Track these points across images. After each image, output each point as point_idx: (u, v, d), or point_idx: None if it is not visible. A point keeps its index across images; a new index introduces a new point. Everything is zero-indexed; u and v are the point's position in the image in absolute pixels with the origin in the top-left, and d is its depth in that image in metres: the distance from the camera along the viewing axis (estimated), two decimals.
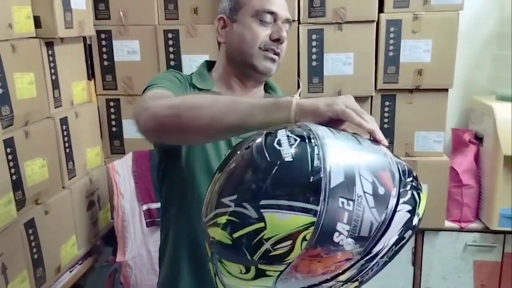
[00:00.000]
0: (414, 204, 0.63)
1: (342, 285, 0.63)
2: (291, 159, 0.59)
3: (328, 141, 0.61)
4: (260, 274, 0.60)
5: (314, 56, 1.76)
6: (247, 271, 0.60)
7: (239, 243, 0.59)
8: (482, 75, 2.03)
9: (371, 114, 1.81)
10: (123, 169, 1.77)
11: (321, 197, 0.57)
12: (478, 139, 1.90)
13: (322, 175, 0.57)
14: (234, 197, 0.60)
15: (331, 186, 0.57)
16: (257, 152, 0.61)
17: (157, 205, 1.71)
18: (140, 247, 1.75)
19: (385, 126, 1.82)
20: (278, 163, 0.59)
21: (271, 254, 0.58)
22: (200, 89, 1.02)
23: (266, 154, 0.60)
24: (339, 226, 0.57)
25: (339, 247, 0.58)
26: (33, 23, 1.43)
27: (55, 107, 1.56)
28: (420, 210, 0.64)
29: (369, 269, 0.62)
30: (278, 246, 0.57)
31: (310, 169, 0.58)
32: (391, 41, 1.74)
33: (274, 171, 0.58)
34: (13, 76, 1.32)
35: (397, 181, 0.62)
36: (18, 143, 1.33)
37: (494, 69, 1.98)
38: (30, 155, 1.38)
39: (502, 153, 1.71)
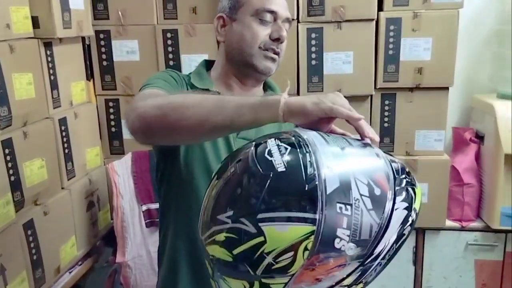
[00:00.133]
0: (410, 200, 0.63)
1: None
2: (284, 169, 0.58)
3: (319, 146, 0.60)
4: None
5: (313, 55, 1.75)
6: (251, 286, 0.59)
7: (240, 259, 0.58)
8: (482, 73, 2.03)
9: (371, 113, 1.81)
10: (122, 170, 1.77)
11: (318, 205, 0.56)
12: (479, 137, 1.89)
13: (317, 182, 0.57)
14: (230, 213, 0.59)
15: (327, 193, 0.56)
16: (249, 165, 0.60)
17: (157, 205, 1.70)
18: (140, 247, 1.74)
19: (385, 125, 1.82)
20: (271, 174, 0.58)
21: (274, 267, 0.57)
22: (198, 89, 1.01)
23: (259, 166, 0.59)
24: (339, 232, 0.56)
25: (341, 253, 0.57)
26: (31, 23, 1.42)
27: (54, 108, 1.55)
28: (417, 205, 0.64)
29: (372, 270, 0.62)
30: (280, 259, 0.57)
31: (304, 177, 0.57)
32: (391, 40, 1.73)
33: (268, 183, 0.57)
34: (11, 77, 1.32)
35: (392, 180, 0.61)
36: (16, 143, 1.33)
37: (494, 67, 1.98)
38: (29, 156, 1.38)
39: (503, 152, 1.71)
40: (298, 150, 0.59)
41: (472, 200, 1.86)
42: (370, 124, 1.78)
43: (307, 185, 0.57)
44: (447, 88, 1.78)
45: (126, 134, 1.90)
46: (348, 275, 0.60)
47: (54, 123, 1.52)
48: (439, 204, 1.81)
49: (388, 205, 0.60)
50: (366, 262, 0.60)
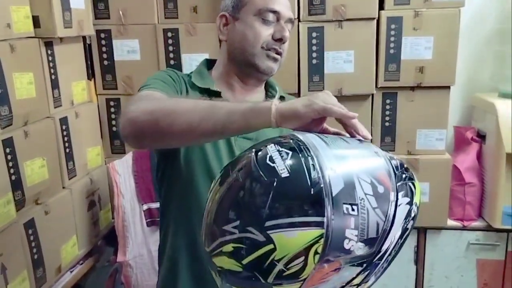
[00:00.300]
0: (411, 195, 0.63)
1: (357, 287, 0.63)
2: (288, 174, 0.57)
3: (320, 149, 0.60)
4: None
5: (314, 54, 1.75)
6: None
7: (250, 268, 0.57)
8: (484, 72, 2.02)
9: (372, 112, 1.81)
10: (123, 169, 1.77)
11: (325, 208, 0.56)
12: (481, 136, 1.89)
13: (322, 185, 0.56)
14: (237, 223, 0.58)
15: (333, 195, 0.56)
16: (251, 172, 0.60)
17: (158, 204, 1.70)
18: (141, 246, 1.74)
19: (387, 124, 1.81)
20: (276, 180, 0.57)
21: (285, 274, 0.57)
22: (199, 88, 1.01)
23: (262, 174, 0.58)
24: (348, 233, 0.56)
25: (350, 253, 0.57)
26: (32, 23, 1.42)
27: (55, 107, 1.55)
28: (417, 198, 0.65)
29: (379, 267, 0.62)
30: (291, 265, 0.56)
31: (309, 181, 0.57)
32: (392, 39, 1.73)
33: (273, 190, 0.57)
34: (12, 76, 1.32)
35: (393, 177, 0.62)
36: (17, 143, 1.32)
37: (496, 66, 1.97)
38: (29, 155, 1.38)
39: (504, 151, 1.70)
40: (300, 154, 0.59)
41: (473, 200, 1.85)
42: (371, 124, 1.81)
43: (312, 189, 0.56)
44: (448, 87, 1.77)
45: None
46: (357, 275, 0.60)
47: (55, 122, 1.52)
48: (440, 204, 1.80)
49: (392, 202, 0.60)
50: (375, 259, 0.60)
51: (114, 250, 1.82)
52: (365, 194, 0.58)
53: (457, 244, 1.86)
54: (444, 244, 1.87)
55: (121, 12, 1.79)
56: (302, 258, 0.56)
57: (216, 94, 1.01)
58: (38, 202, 1.43)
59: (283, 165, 0.58)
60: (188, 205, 0.98)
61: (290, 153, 0.60)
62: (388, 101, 1.80)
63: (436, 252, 1.88)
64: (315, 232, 0.56)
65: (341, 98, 1.74)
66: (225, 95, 1.02)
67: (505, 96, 1.83)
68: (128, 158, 1.80)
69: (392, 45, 1.73)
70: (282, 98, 1.09)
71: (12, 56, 1.32)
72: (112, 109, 1.89)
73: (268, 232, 0.56)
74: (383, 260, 0.62)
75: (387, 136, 1.82)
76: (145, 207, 1.74)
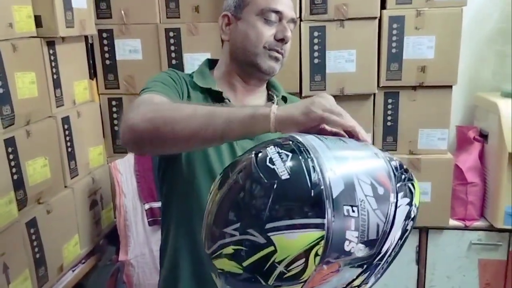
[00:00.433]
0: (411, 195, 0.63)
1: None
2: (288, 176, 0.57)
3: (319, 150, 0.60)
4: None
5: (316, 54, 1.75)
6: None
7: (251, 270, 0.58)
8: (486, 71, 2.02)
9: (374, 111, 1.81)
10: (125, 168, 1.77)
11: (326, 209, 0.56)
12: (483, 136, 1.88)
13: (322, 187, 0.56)
14: (237, 225, 0.58)
15: (334, 196, 0.56)
16: (251, 174, 0.60)
17: (159, 204, 1.69)
18: (143, 246, 1.74)
19: (388, 123, 1.81)
20: (276, 182, 0.57)
21: (286, 275, 0.57)
22: (201, 88, 1.01)
23: (261, 176, 0.58)
24: (348, 234, 0.57)
25: (351, 255, 0.57)
26: (34, 22, 1.43)
27: (57, 107, 1.56)
28: (416, 199, 0.65)
29: (380, 268, 0.62)
30: (292, 267, 0.56)
31: (309, 183, 0.57)
32: (394, 38, 1.73)
33: (273, 192, 0.57)
34: (14, 76, 1.32)
35: (393, 178, 0.62)
36: (19, 142, 1.33)
37: (498, 65, 1.97)
38: (31, 155, 1.38)
39: (507, 150, 1.70)
40: (300, 156, 0.59)
41: (475, 199, 1.85)
42: (373, 123, 1.80)
43: (312, 191, 0.56)
44: (450, 87, 1.77)
45: None
46: (358, 276, 0.61)
47: (57, 122, 1.53)
48: (442, 203, 1.80)
49: (392, 203, 0.60)
50: (375, 261, 0.60)
51: (116, 249, 1.82)
52: (365, 195, 0.58)
53: (459, 244, 1.86)
54: (446, 244, 1.87)
55: (123, 12, 1.79)
56: (303, 260, 0.56)
57: (217, 94, 1.01)
58: (40, 201, 1.44)
59: (283, 167, 0.58)
60: (189, 205, 0.98)
61: (290, 155, 0.60)
62: (390, 100, 1.80)
63: (438, 252, 1.87)
64: (315, 234, 0.56)
65: (343, 97, 1.74)
66: (226, 95, 1.02)
67: (507, 96, 1.82)
68: (130, 157, 1.80)
69: (394, 44, 1.73)
70: (284, 98, 1.09)
71: (14, 55, 1.32)
72: (114, 109, 1.89)
73: (269, 234, 0.56)
74: (383, 261, 0.62)
75: (389, 136, 1.82)
76: (147, 206, 1.75)
